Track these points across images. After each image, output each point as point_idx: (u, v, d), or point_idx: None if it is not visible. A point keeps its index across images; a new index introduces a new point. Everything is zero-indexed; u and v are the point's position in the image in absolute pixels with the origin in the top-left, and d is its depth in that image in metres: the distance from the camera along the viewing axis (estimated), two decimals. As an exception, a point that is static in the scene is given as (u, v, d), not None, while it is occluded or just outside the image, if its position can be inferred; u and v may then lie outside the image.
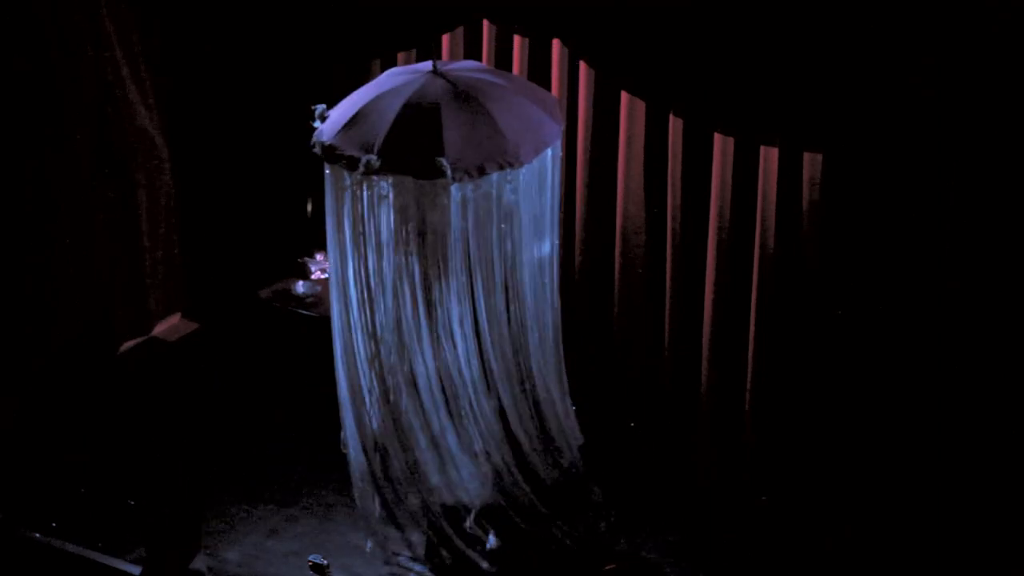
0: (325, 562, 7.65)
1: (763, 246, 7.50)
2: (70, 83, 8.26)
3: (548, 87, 8.00)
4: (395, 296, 7.21)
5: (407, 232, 7.08)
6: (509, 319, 7.35)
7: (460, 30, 8.19)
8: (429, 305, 7.22)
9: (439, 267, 7.14)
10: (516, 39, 8.05)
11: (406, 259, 7.13)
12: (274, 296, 9.04)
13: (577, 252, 8.16)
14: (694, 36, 7.28)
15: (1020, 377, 7.14)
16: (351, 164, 6.96)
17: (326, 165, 7.17)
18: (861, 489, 7.60)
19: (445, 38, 8.21)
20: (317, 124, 7.19)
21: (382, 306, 7.25)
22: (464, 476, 7.51)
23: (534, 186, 7.19)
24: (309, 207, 9.41)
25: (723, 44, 7.23)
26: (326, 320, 8.19)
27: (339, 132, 7.04)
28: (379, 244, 7.13)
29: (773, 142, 7.37)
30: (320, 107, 7.24)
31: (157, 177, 8.80)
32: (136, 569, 7.17)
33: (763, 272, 7.54)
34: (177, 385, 8.80)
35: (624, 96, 7.81)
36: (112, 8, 8.36)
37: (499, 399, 7.43)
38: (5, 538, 7.37)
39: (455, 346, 7.28)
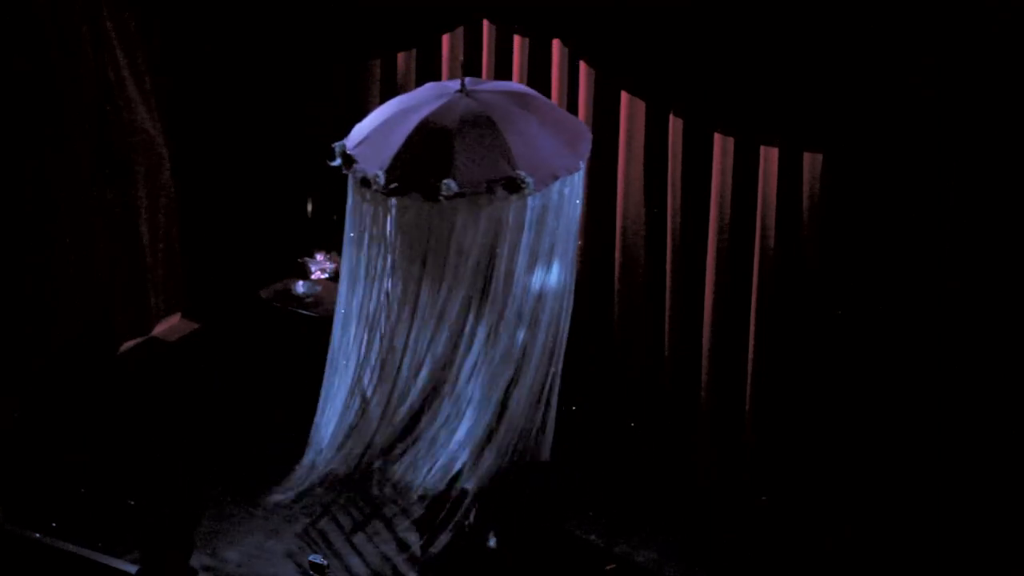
0: (325, 562, 7.64)
1: (763, 246, 7.50)
2: (70, 83, 8.27)
3: (548, 87, 8.00)
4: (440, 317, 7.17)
5: (465, 252, 7.03)
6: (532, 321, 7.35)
7: (460, 30, 8.19)
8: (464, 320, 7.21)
9: (495, 282, 7.12)
10: (516, 39, 8.05)
11: (461, 280, 7.09)
12: (274, 296, 9.04)
13: (577, 253, 8.15)
14: (694, 36, 7.28)
15: (1020, 377, 7.15)
16: (429, 193, 6.87)
17: (352, 194, 7.11)
18: (861, 489, 7.59)
19: (445, 38, 8.21)
20: (338, 163, 7.13)
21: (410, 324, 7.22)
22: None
23: (574, 188, 7.21)
24: (309, 207, 9.41)
25: (723, 44, 7.23)
26: (326, 320, 8.20)
27: (393, 165, 6.94)
28: (411, 264, 7.08)
29: (773, 142, 7.36)
30: (339, 145, 7.17)
31: (157, 177, 8.81)
32: (133, 568, 7.17)
33: (763, 272, 7.54)
34: (177, 385, 8.81)
35: (624, 96, 7.81)
36: (112, 8, 8.37)
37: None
38: (5, 538, 7.37)
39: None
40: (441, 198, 6.84)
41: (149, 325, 8.99)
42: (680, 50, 7.36)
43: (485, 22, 8.13)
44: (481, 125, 6.93)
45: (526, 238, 7.03)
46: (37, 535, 7.43)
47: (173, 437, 8.42)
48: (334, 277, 8.98)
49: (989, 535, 7.34)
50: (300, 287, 9.01)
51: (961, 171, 6.99)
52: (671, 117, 7.67)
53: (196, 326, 9.14)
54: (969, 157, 6.95)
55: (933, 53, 6.83)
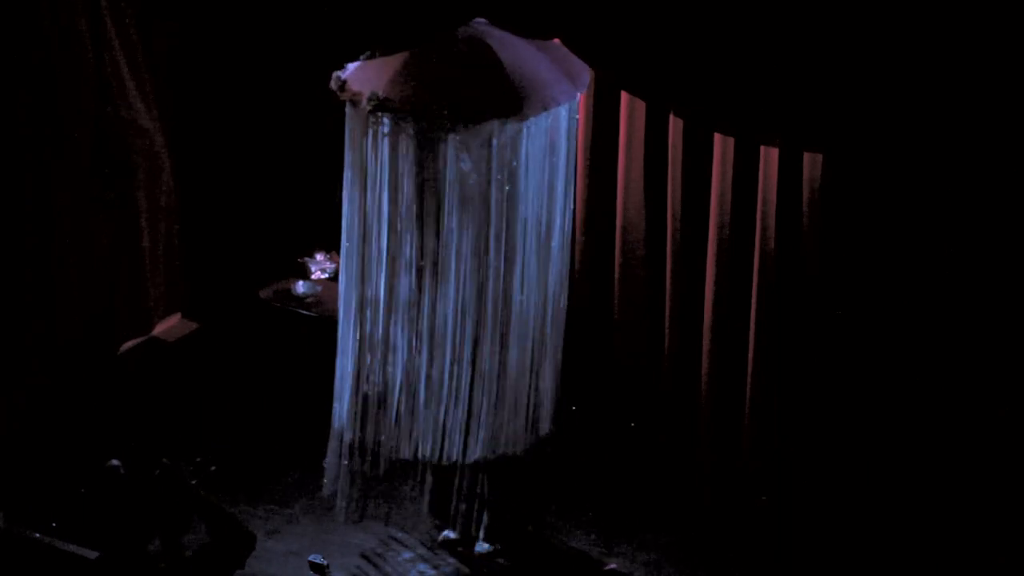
0: (325, 562, 7.65)
1: (763, 247, 7.50)
2: (70, 83, 8.26)
3: (548, 87, 8.00)
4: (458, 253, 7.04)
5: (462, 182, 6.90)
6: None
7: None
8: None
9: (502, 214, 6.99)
10: (516, 39, 8.04)
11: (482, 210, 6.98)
12: (274, 296, 9.04)
13: (577, 252, 8.16)
14: (694, 36, 7.28)
15: (1020, 377, 7.15)
16: (426, 116, 6.77)
17: (349, 117, 7.07)
18: (861, 489, 7.59)
19: (445, 37, 8.20)
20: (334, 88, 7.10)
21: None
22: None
23: (572, 123, 7.18)
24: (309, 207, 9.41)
25: (723, 44, 7.23)
26: (326, 320, 8.20)
27: (388, 85, 6.87)
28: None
29: (773, 142, 7.37)
30: (335, 75, 7.15)
31: (157, 177, 8.81)
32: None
33: (763, 272, 7.54)
34: (177, 385, 8.81)
35: (624, 96, 7.81)
36: (112, 8, 8.37)
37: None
38: (5, 538, 7.36)
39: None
40: (443, 120, 6.77)
41: (149, 325, 8.99)
42: (680, 49, 7.36)
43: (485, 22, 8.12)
44: (477, 50, 6.90)
45: (524, 168, 6.96)
46: (37, 535, 7.43)
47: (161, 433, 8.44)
48: (334, 277, 8.99)
49: (989, 535, 7.35)
50: (300, 287, 9.02)
51: (962, 171, 6.99)
52: (671, 117, 7.67)
53: (196, 326, 9.14)
54: (969, 158, 6.95)
55: (933, 53, 6.83)
